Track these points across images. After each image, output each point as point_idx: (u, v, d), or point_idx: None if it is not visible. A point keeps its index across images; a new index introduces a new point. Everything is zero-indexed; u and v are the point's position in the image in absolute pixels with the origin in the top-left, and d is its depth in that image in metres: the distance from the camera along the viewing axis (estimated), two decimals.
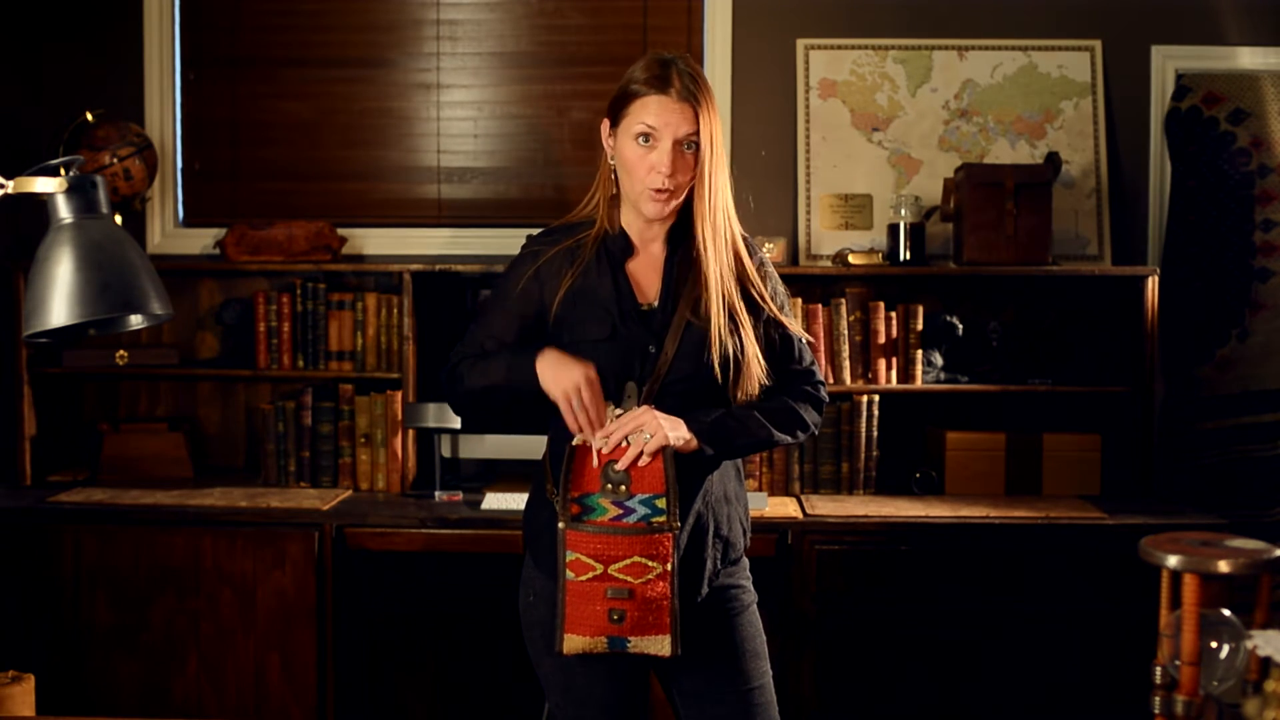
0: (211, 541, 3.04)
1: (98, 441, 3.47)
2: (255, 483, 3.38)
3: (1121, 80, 3.54)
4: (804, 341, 2.12)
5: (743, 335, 1.98)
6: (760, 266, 2.08)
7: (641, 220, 2.03)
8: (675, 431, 1.90)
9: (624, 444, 1.90)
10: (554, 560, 1.95)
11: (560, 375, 1.91)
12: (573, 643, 1.90)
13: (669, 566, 1.88)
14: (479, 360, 2.04)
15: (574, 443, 1.94)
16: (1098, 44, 3.53)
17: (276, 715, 3.03)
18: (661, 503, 1.89)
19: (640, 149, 1.95)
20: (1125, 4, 3.53)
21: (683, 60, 1.98)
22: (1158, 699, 1.39)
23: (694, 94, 1.94)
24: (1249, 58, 3.50)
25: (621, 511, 1.89)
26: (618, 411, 1.94)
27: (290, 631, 3.03)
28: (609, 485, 1.90)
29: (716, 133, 1.96)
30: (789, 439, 2.06)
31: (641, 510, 1.89)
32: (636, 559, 1.87)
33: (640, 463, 1.89)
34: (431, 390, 3.43)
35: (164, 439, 3.47)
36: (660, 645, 1.89)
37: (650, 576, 1.87)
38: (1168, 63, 3.52)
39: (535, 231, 2.14)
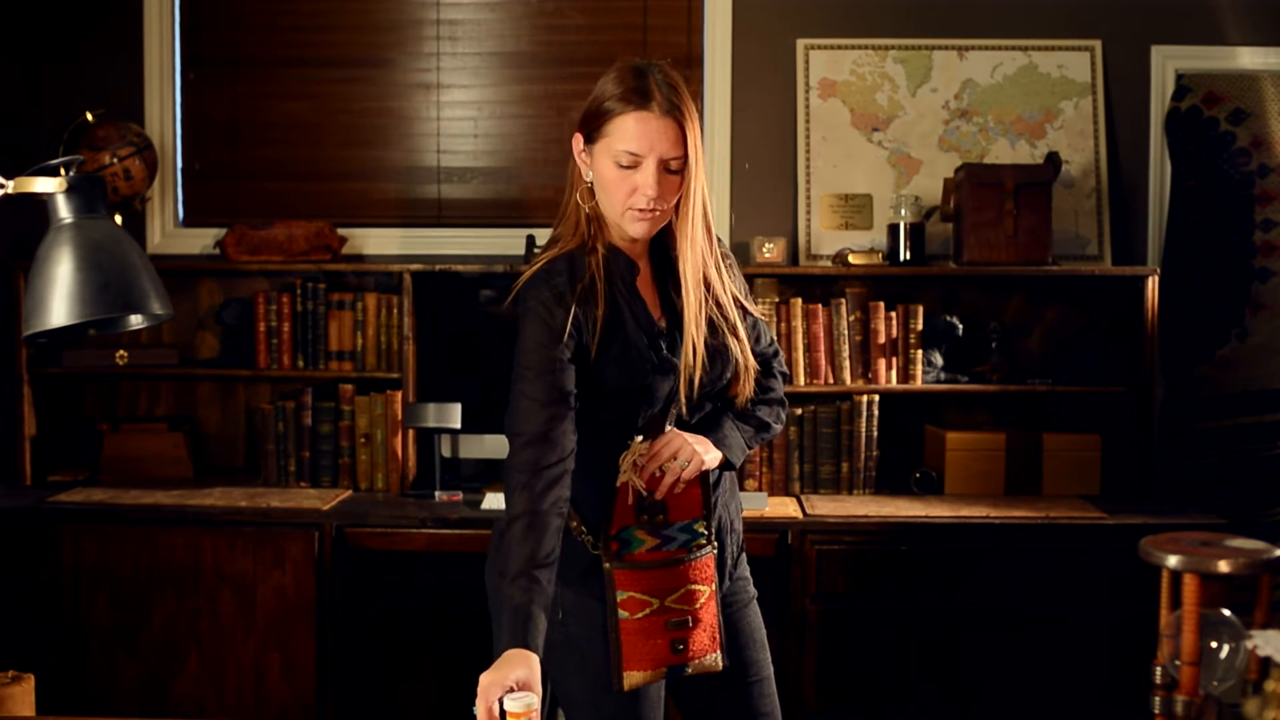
0: (211, 541, 3.03)
1: (98, 441, 3.47)
2: (255, 483, 3.38)
3: (1121, 80, 3.54)
4: (763, 321, 2.06)
5: (737, 339, 1.93)
6: (724, 258, 1.98)
7: (624, 241, 1.92)
8: (709, 453, 1.87)
9: (658, 473, 1.84)
10: (589, 582, 1.89)
11: (491, 675, 1.63)
12: (632, 679, 1.86)
13: (714, 586, 1.88)
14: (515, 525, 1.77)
15: (619, 484, 1.87)
16: (1098, 44, 3.53)
17: (276, 715, 3.03)
18: (700, 526, 1.88)
19: (621, 171, 1.80)
20: (1125, 4, 3.53)
21: (659, 69, 1.82)
22: (1158, 699, 1.39)
23: (677, 107, 1.78)
24: (1249, 58, 3.50)
25: (659, 540, 1.86)
26: (645, 442, 1.87)
27: (290, 631, 3.03)
28: (644, 515, 1.86)
29: (699, 145, 1.82)
30: (779, 425, 2.05)
31: (681, 537, 1.87)
32: (689, 587, 1.86)
33: (677, 490, 1.86)
34: (431, 390, 3.43)
35: (164, 439, 3.46)
36: (714, 661, 1.90)
37: (703, 600, 1.87)
38: (1168, 63, 3.52)
39: (535, 248, 2.07)
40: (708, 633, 1.88)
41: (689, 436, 1.87)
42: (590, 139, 1.85)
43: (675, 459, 1.83)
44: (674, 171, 1.81)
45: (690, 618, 1.86)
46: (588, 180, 1.87)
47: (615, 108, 1.79)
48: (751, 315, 2.00)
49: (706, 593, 1.87)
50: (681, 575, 1.86)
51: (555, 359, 1.80)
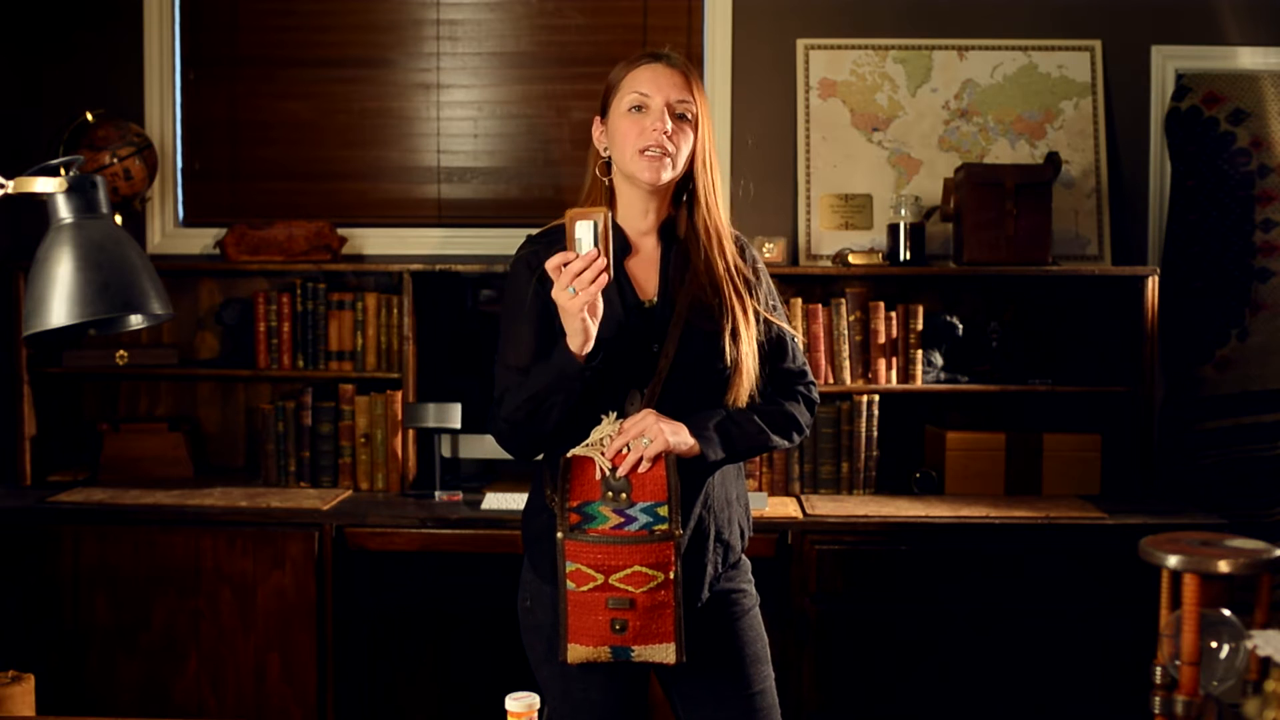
0: (211, 541, 3.04)
1: (98, 441, 3.47)
2: (255, 483, 3.38)
3: (1121, 80, 3.54)
4: (796, 340, 2.10)
5: (742, 337, 1.95)
6: (753, 264, 2.06)
7: (635, 216, 2.01)
8: (676, 436, 1.88)
9: (624, 450, 1.88)
10: (552, 565, 1.93)
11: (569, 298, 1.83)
12: (576, 652, 1.88)
13: (671, 575, 1.86)
14: (518, 387, 1.94)
15: (569, 454, 1.91)
16: (1098, 44, 3.53)
17: (276, 715, 3.03)
18: (663, 510, 1.87)
19: (633, 117, 1.95)
20: (1125, 4, 3.53)
21: (670, 50, 2.03)
22: (1158, 699, 1.39)
23: (686, 66, 1.98)
24: (1249, 58, 3.50)
25: (623, 520, 1.87)
26: (619, 418, 1.92)
27: (290, 631, 3.03)
28: (609, 493, 1.88)
29: (708, 117, 1.98)
30: (785, 442, 2.04)
31: (643, 518, 1.87)
32: (638, 568, 1.85)
33: (640, 469, 1.87)
34: (431, 390, 3.43)
35: (164, 439, 3.47)
36: (665, 653, 1.88)
37: (652, 585, 1.86)
38: (1168, 63, 3.52)
39: (535, 231, 2.13)
40: (657, 621, 1.86)
41: (663, 419, 1.88)
42: (605, 112, 1.99)
43: (641, 436, 1.87)
44: (683, 118, 1.95)
45: (633, 599, 1.85)
46: (605, 156, 2.01)
47: (627, 69, 1.98)
48: (782, 330, 2.06)
49: (659, 579, 1.85)
50: (632, 554, 1.85)
51: (525, 325, 1.96)
